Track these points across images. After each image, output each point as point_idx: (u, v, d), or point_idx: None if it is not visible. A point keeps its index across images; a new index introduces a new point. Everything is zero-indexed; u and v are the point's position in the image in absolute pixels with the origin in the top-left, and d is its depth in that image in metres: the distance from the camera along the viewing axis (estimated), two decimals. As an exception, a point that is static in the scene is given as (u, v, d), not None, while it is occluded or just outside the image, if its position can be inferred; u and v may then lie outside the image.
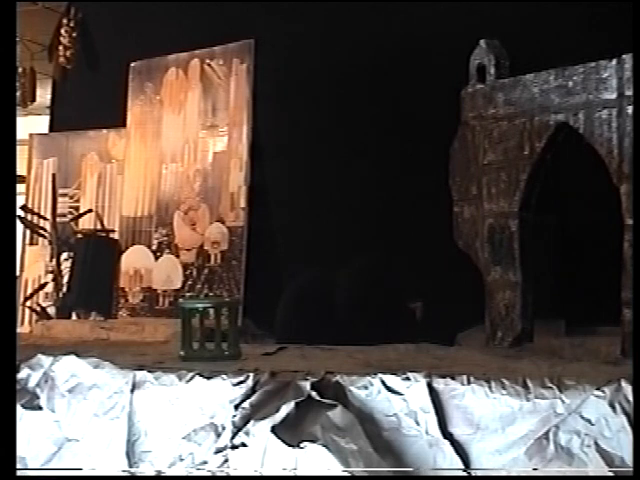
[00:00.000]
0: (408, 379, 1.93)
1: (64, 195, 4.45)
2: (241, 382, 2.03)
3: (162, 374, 2.14)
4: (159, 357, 2.45)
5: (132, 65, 4.25)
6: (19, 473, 2.14)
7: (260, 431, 1.89)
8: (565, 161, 2.61)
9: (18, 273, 4.43)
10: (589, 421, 1.78)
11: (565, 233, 2.76)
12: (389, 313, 3.08)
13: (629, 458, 1.73)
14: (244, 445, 1.91)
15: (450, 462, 1.86)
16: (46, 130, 4.85)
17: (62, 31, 4.59)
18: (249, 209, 3.76)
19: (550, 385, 1.83)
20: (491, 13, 3.14)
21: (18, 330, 4.02)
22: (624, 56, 2.37)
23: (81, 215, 4.33)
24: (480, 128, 2.73)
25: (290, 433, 1.87)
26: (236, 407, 1.99)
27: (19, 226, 4.26)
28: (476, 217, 2.74)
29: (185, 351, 2.42)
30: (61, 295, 4.12)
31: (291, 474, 1.83)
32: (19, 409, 2.25)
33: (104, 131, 4.40)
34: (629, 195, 2.34)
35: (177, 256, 3.97)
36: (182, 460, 2.03)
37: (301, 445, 1.84)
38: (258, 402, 1.98)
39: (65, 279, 4.12)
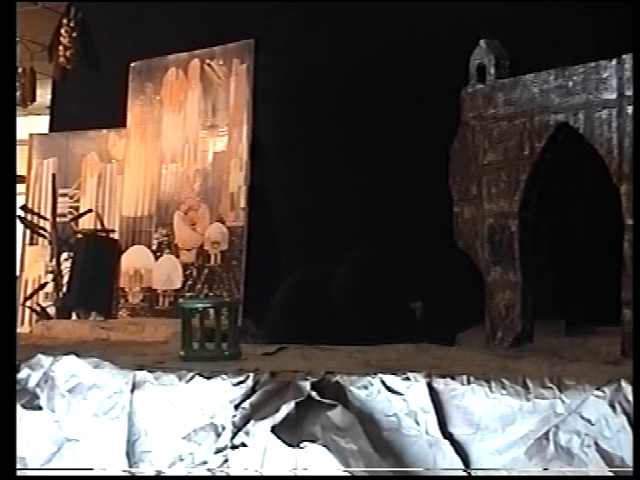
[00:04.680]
0: (408, 379, 1.93)
1: (64, 195, 4.45)
2: (241, 382, 2.03)
3: (162, 374, 2.14)
4: (159, 357, 2.45)
5: (132, 65, 4.25)
6: (19, 473, 2.14)
7: (260, 431, 1.89)
8: (565, 161, 2.61)
9: (18, 273, 4.44)
10: (589, 421, 1.78)
11: (565, 233, 2.76)
12: (389, 313, 3.08)
13: (629, 458, 1.72)
14: (244, 445, 1.91)
15: (450, 462, 1.86)
16: (46, 130, 4.86)
17: (62, 31, 4.59)
18: (249, 209, 3.76)
19: (550, 385, 1.83)
20: (491, 13, 3.14)
21: (18, 330, 4.02)
22: (624, 56, 2.37)
23: (81, 215, 4.33)
24: (480, 128, 2.73)
25: (290, 433, 1.87)
26: (236, 407, 1.99)
27: (19, 226, 4.26)
28: (476, 217, 2.74)
29: (185, 351, 2.42)
30: (61, 295, 4.12)
31: (291, 474, 1.83)
32: (19, 409, 2.25)
33: (104, 131, 4.41)
34: (629, 195, 2.34)
35: (177, 256, 3.97)
36: (182, 460, 2.03)
37: (301, 445, 1.84)
38: (258, 402, 1.98)
39: (65, 279, 4.12)
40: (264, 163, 3.81)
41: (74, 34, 4.58)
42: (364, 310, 3.11)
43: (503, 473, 1.83)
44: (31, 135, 4.73)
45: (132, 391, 2.14)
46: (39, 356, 2.34)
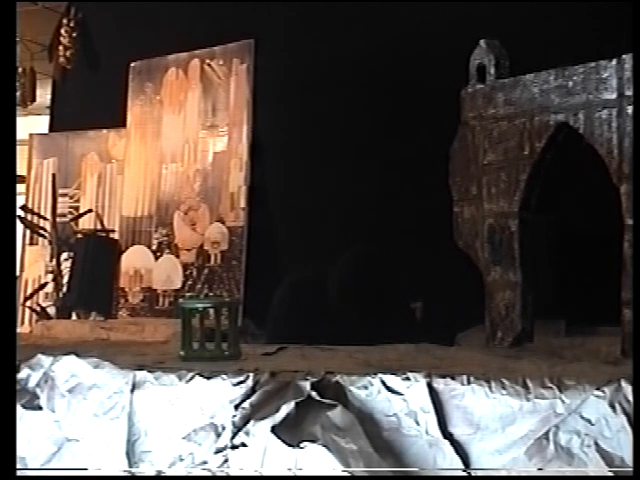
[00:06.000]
0: (408, 379, 1.93)
1: (64, 195, 4.45)
2: (241, 382, 2.03)
3: (162, 374, 2.13)
4: (159, 357, 2.45)
5: (132, 65, 4.25)
6: (19, 473, 2.14)
7: (260, 431, 1.89)
8: (565, 161, 2.61)
9: (18, 273, 4.44)
10: (589, 421, 1.78)
11: (565, 233, 2.76)
12: (386, 311, 3.08)
13: (629, 458, 1.72)
14: (244, 445, 1.91)
15: (450, 462, 1.86)
16: (46, 130, 4.86)
17: (62, 31, 4.59)
18: (249, 209, 3.76)
19: (550, 385, 1.83)
20: (491, 13, 3.14)
21: (18, 330, 4.02)
22: (624, 56, 2.37)
23: (81, 215, 4.33)
24: (480, 128, 2.73)
25: (290, 433, 1.87)
26: (236, 407, 1.99)
27: (19, 226, 4.26)
28: (476, 217, 2.74)
29: (185, 351, 2.42)
30: (61, 295, 4.12)
31: (291, 474, 1.83)
32: (19, 409, 2.25)
33: (104, 131, 4.41)
34: (629, 195, 2.34)
35: (177, 256, 3.97)
36: (182, 460, 2.03)
37: (301, 445, 1.84)
38: (258, 402, 1.98)
39: (65, 279, 4.12)
40: (264, 163, 3.81)
41: (74, 34, 4.58)
42: (359, 306, 3.10)
43: (503, 473, 1.82)
44: (31, 135, 4.73)
45: (132, 391, 2.14)
46: (39, 356, 2.34)
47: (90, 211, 4.32)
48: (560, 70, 2.52)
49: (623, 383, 1.78)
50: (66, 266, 4.14)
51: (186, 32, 4.07)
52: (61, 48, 4.60)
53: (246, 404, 1.98)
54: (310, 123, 3.66)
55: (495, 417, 1.86)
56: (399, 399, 1.93)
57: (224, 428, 1.99)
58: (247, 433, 1.92)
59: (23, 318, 4.40)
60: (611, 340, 2.38)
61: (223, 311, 2.49)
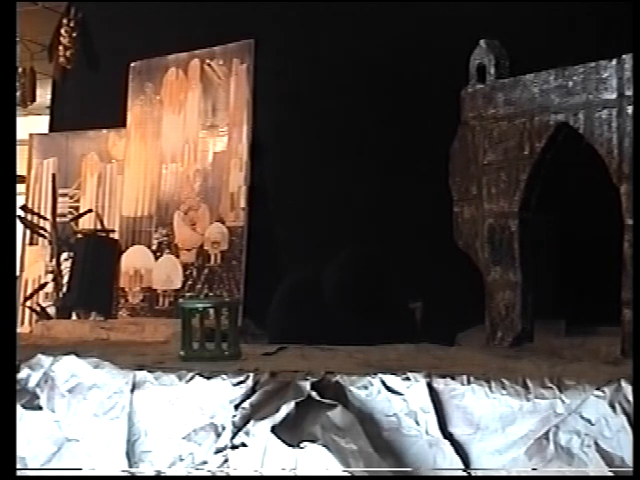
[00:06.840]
0: (408, 379, 1.93)
1: (64, 195, 4.45)
2: (241, 382, 2.03)
3: (162, 374, 2.14)
4: (159, 357, 2.45)
5: (132, 65, 4.25)
6: (19, 473, 2.14)
7: (260, 431, 1.89)
8: (565, 161, 2.61)
9: (18, 273, 4.44)
10: (589, 421, 1.78)
11: (565, 233, 2.76)
12: (384, 311, 3.07)
13: (629, 458, 1.73)
14: (244, 445, 1.91)
15: (450, 462, 1.86)
16: (46, 130, 4.86)
17: (62, 31, 4.60)
18: (249, 209, 3.76)
19: (550, 385, 1.83)
20: (491, 13, 3.14)
21: (18, 330, 4.02)
22: (624, 56, 2.37)
23: (81, 215, 4.33)
24: (480, 128, 2.73)
25: (290, 433, 1.87)
26: (236, 407, 1.99)
27: (19, 226, 4.26)
28: (476, 217, 2.74)
29: (185, 351, 2.42)
30: (61, 295, 4.12)
31: (291, 474, 1.83)
32: (19, 409, 2.25)
33: (104, 131, 4.41)
34: (629, 195, 2.34)
35: (177, 256, 3.97)
36: (182, 460, 2.04)
37: (301, 445, 1.84)
38: (258, 402, 1.98)
39: (65, 279, 4.12)
40: (264, 163, 3.81)
41: (74, 34, 4.58)
42: (359, 306, 3.10)
43: (503, 473, 1.83)
44: (31, 135, 4.73)
45: (132, 391, 2.14)
46: (39, 356, 2.34)
47: (90, 211, 4.32)
48: (560, 70, 2.52)
49: (623, 383, 1.78)
50: (66, 266, 4.14)
51: (186, 32, 4.07)
52: (61, 48, 4.60)
53: (246, 404, 1.98)
54: (310, 123, 3.66)
55: (495, 417, 1.86)
56: (399, 399, 1.93)
57: (224, 428, 1.99)
58: (247, 433, 1.92)
59: (23, 318, 4.40)
60: (611, 340, 2.38)
61: (223, 311, 2.49)
